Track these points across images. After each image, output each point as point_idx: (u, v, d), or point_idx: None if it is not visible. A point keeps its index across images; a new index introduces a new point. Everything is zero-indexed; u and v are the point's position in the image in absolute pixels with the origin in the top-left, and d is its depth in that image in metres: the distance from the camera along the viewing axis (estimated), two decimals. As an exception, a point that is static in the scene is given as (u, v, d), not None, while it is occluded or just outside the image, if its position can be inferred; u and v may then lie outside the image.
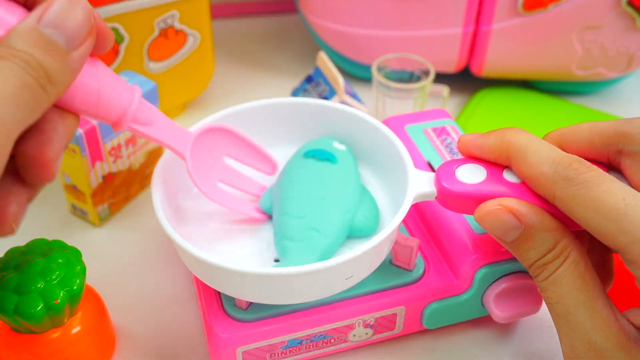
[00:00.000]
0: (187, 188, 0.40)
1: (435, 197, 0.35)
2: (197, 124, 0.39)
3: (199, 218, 0.39)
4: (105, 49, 0.30)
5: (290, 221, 0.36)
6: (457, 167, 0.35)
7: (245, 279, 0.32)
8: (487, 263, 0.37)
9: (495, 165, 0.34)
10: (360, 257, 0.32)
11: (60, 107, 0.28)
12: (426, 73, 0.55)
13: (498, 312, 0.38)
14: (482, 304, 0.39)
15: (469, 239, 0.37)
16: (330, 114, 0.42)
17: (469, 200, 0.33)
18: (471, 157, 0.35)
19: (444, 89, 0.55)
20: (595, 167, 0.30)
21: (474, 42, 0.58)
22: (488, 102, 0.60)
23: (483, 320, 0.42)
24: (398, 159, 0.38)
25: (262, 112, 0.42)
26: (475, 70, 0.60)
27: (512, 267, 0.38)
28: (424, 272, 0.39)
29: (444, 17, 0.56)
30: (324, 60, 0.54)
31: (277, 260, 0.37)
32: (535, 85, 0.63)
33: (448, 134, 0.44)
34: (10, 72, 0.24)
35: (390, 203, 0.40)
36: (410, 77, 0.56)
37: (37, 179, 0.27)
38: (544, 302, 0.39)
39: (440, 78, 0.62)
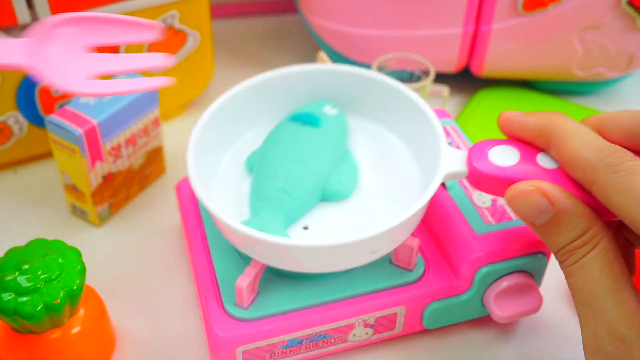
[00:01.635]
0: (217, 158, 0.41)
1: (466, 177, 0.35)
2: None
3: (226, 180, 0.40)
4: None
5: (262, 181, 0.37)
6: (490, 148, 0.34)
7: (269, 247, 0.33)
8: (487, 263, 0.37)
9: (530, 148, 0.34)
10: (386, 232, 0.33)
11: None
12: (426, 73, 0.55)
13: (498, 312, 0.38)
14: (482, 304, 0.39)
15: (469, 238, 0.37)
16: (363, 83, 0.41)
17: (500, 182, 0.33)
18: (509, 135, 0.35)
19: (444, 89, 0.55)
20: (638, 158, 0.30)
21: (474, 42, 0.58)
22: (488, 102, 0.60)
23: (483, 320, 0.42)
24: (431, 134, 0.37)
25: (284, 80, 0.42)
26: (475, 70, 0.60)
27: (512, 266, 0.38)
28: (424, 271, 0.39)
29: (444, 17, 0.56)
30: (324, 60, 0.54)
31: (305, 228, 0.37)
32: (535, 85, 0.63)
33: (448, 134, 0.44)
34: None
35: (420, 177, 0.39)
36: (410, 77, 0.56)
37: None
38: (544, 303, 0.39)
39: (440, 78, 0.62)
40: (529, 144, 0.34)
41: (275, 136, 0.40)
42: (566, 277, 0.31)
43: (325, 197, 0.38)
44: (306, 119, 0.39)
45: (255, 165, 0.39)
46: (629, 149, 0.31)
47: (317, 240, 0.33)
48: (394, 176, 0.40)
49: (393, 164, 0.41)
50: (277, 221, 0.36)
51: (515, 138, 0.35)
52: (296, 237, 0.37)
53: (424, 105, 0.39)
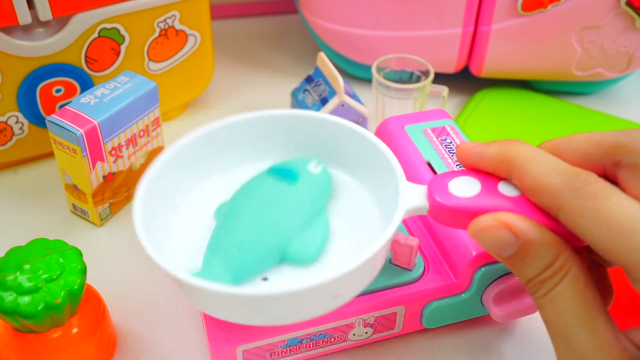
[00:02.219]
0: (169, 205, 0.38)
1: (428, 212, 0.34)
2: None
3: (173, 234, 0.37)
4: None
5: (219, 234, 0.35)
6: (449, 180, 0.33)
7: (217, 299, 0.31)
8: (486, 262, 0.37)
9: (490, 177, 0.33)
10: (345, 275, 0.30)
11: None
12: (426, 73, 0.55)
13: (497, 312, 0.38)
14: (482, 303, 0.39)
15: (468, 238, 0.37)
16: (316, 125, 0.40)
17: (463, 215, 0.32)
18: (468, 167, 0.34)
19: (444, 89, 0.56)
20: (602, 179, 0.29)
21: (474, 43, 0.58)
22: (487, 103, 0.60)
23: (483, 320, 0.42)
24: (389, 171, 0.36)
25: (236, 129, 0.40)
26: (474, 70, 0.60)
27: (512, 266, 0.38)
28: (424, 271, 0.39)
29: (444, 17, 0.56)
30: (324, 61, 0.54)
31: (265, 279, 0.35)
32: (534, 86, 0.63)
33: (448, 134, 0.44)
34: None
35: (381, 217, 0.38)
36: (410, 78, 0.56)
37: None
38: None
39: (440, 78, 0.62)
40: (490, 174, 0.33)
41: (247, 188, 0.37)
42: (538, 309, 0.30)
43: (286, 260, 0.35)
44: (283, 173, 0.37)
45: (220, 216, 0.37)
46: None
47: (265, 288, 0.30)
48: (359, 225, 0.37)
49: (355, 210, 0.38)
50: (224, 277, 0.33)
51: (475, 169, 0.34)
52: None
53: (377, 141, 0.37)
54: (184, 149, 0.38)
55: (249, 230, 0.35)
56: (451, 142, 0.44)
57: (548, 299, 0.30)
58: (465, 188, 0.33)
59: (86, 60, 0.50)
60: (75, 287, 0.35)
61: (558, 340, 0.30)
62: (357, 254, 0.31)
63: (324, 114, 0.40)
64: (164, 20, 0.51)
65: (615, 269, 0.36)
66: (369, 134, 0.38)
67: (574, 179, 0.29)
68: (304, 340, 0.37)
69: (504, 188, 0.32)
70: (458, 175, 0.34)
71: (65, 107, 0.44)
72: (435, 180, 0.34)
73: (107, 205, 0.48)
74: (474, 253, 0.37)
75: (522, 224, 0.30)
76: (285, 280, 0.34)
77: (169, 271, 0.31)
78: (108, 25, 0.49)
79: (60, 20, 0.48)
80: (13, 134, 0.50)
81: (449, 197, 0.33)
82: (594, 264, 0.34)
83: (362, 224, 0.37)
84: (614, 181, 0.31)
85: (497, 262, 0.37)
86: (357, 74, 0.63)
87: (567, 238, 0.30)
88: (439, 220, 0.34)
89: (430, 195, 0.33)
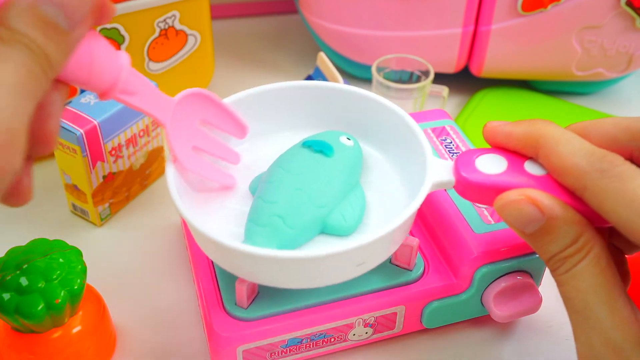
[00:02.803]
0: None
1: (454, 186, 0.35)
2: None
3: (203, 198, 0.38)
4: (104, 21, 0.27)
5: (260, 205, 0.36)
6: (477, 157, 0.34)
7: (246, 260, 0.32)
8: (486, 262, 0.37)
9: (517, 156, 0.34)
10: (371, 244, 0.32)
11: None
12: (426, 73, 0.55)
13: (498, 312, 0.38)
14: (482, 304, 0.39)
15: (468, 238, 0.37)
16: (346, 98, 0.40)
17: (488, 191, 0.33)
18: (495, 145, 0.35)
19: (444, 89, 0.56)
20: (629, 162, 0.29)
21: (474, 43, 0.58)
22: (487, 103, 0.60)
23: (483, 320, 0.42)
24: (416, 145, 0.37)
25: (269, 97, 0.41)
26: (474, 70, 0.60)
27: (512, 266, 0.38)
28: (424, 271, 0.39)
29: (444, 17, 0.56)
30: (324, 60, 0.54)
31: None
32: (534, 86, 0.63)
33: (448, 134, 0.44)
34: (16, 60, 0.23)
35: (406, 191, 0.38)
36: (410, 78, 0.56)
37: (40, 152, 0.26)
38: (543, 302, 0.39)
39: (440, 78, 0.62)
40: (516, 152, 0.34)
41: (283, 161, 0.38)
42: (558, 285, 0.31)
43: (326, 231, 0.36)
44: (318, 146, 0.38)
45: (258, 187, 0.38)
46: None
47: (297, 252, 0.31)
48: (385, 197, 0.38)
49: (381, 182, 0.39)
50: (270, 247, 0.34)
51: (501, 148, 0.34)
52: None
53: (406, 115, 0.38)
54: None
55: (291, 201, 0.36)
56: (451, 142, 0.44)
57: (569, 276, 0.30)
58: (491, 165, 0.33)
59: (86, 60, 0.50)
60: (76, 287, 0.35)
61: (577, 317, 0.30)
62: (385, 225, 0.32)
63: (351, 87, 0.40)
64: (164, 20, 0.51)
65: (633, 257, 0.36)
66: (397, 107, 0.39)
67: (600, 160, 0.29)
68: (304, 341, 0.37)
69: (530, 167, 0.33)
70: (485, 153, 0.34)
71: (65, 107, 0.44)
72: (463, 156, 0.34)
73: (107, 205, 0.48)
74: (475, 253, 0.37)
75: (548, 200, 0.30)
76: (314, 247, 0.36)
77: (220, 241, 0.31)
78: (108, 25, 0.49)
79: (60, 20, 0.47)
80: (13, 134, 0.50)
81: (475, 173, 0.33)
82: (613, 249, 0.34)
83: (387, 196, 0.38)
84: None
85: (497, 262, 0.37)
86: (357, 74, 0.63)
87: (590, 218, 0.30)
88: (464, 195, 0.35)
89: (456, 171, 0.34)
